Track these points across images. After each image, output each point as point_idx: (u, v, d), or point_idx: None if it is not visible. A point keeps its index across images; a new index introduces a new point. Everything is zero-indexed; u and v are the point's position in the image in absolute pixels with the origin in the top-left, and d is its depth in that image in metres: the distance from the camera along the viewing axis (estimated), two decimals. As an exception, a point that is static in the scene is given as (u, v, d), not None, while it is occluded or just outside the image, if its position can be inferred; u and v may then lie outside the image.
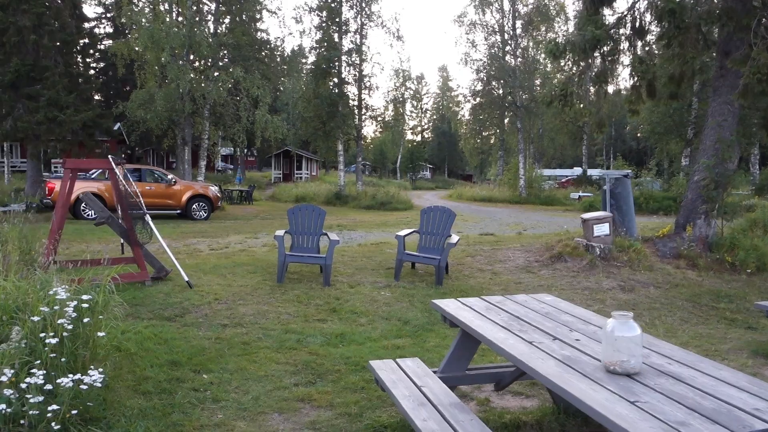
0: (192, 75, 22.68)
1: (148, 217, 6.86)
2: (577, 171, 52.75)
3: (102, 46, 38.92)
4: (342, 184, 30.47)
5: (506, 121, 41.11)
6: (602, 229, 8.73)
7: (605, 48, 8.83)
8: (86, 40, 26.75)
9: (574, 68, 9.40)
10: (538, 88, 36.90)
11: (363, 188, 31.65)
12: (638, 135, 73.06)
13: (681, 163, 26.44)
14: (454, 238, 7.78)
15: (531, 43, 36.81)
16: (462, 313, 3.55)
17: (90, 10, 43.66)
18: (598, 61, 9.14)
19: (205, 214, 18.95)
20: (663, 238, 9.37)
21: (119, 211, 7.08)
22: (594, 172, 50.47)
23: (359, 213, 24.26)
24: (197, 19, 23.62)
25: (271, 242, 12.14)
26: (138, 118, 23.15)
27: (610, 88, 10.20)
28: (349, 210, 26.06)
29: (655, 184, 27.20)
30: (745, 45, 8.29)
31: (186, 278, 6.84)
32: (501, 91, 37.93)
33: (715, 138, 8.88)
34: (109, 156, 6.56)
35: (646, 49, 9.20)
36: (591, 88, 9.57)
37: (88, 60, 40.36)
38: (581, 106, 9.67)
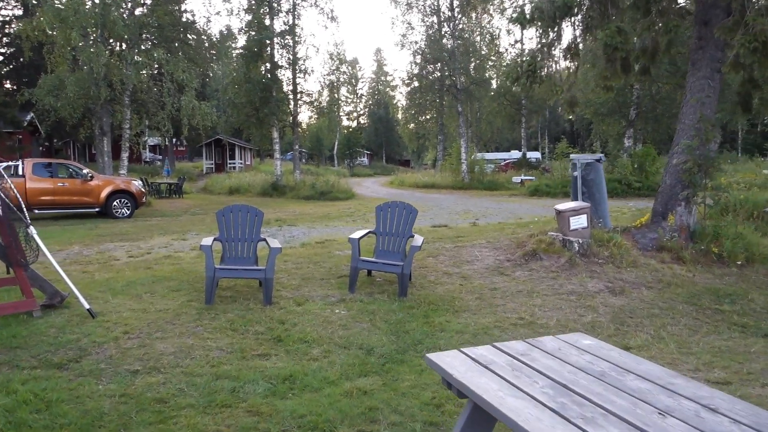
0: (108, 58, 20.49)
1: (32, 229, 5.33)
2: (516, 154, 52.80)
3: (12, 30, 35.56)
4: (279, 174, 28.88)
5: (444, 104, 40.31)
6: (579, 222, 7.76)
7: (578, 17, 7.84)
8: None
9: (543, 39, 8.36)
10: (474, 72, 36.23)
11: (301, 177, 30.15)
12: (571, 117, 74.35)
13: (623, 144, 26.26)
14: (418, 240, 6.59)
15: (468, 25, 36.03)
16: (479, 381, 2.35)
17: (-6, -10, 39.77)
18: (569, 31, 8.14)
19: (128, 212, 17.12)
20: (641, 229, 8.50)
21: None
22: (532, 155, 50.60)
23: (299, 204, 22.83)
24: (112, -4, 21.40)
25: (201, 245, 10.65)
26: (48, 106, 20.81)
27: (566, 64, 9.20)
28: (287, 201, 24.57)
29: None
30: (728, 13, 7.43)
31: (86, 305, 5.37)
32: (439, 74, 37.05)
33: (695, 117, 8.03)
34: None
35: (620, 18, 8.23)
36: (561, 62, 8.60)
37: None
38: (551, 82, 8.63)
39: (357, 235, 6.65)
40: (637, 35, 8.42)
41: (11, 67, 38.70)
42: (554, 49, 8.31)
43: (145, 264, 8.57)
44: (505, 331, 5.44)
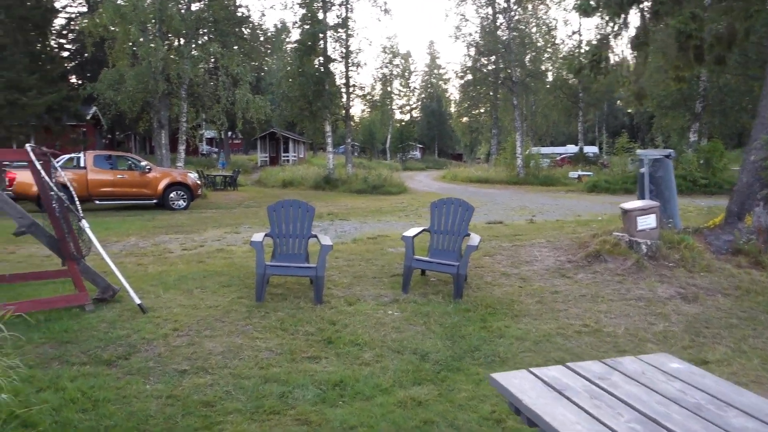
0: (166, 52, 20.84)
1: (84, 222, 5.30)
2: (571, 149, 51.38)
3: (76, 27, 36.79)
4: (331, 167, 28.88)
5: (499, 97, 39.53)
6: (647, 222, 7.29)
7: (647, 2, 7.32)
8: (50, 16, 24.75)
9: (608, 28, 7.88)
10: (529, 64, 35.28)
11: (353, 171, 30.07)
12: (630, 111, 71.82)
13: (688, 139, 25.07)
14: (475, 239, 6.28)
15: (524, 16, 35.10)
16: (554, 410, 2.07)
17: (60, -14, 41.20)
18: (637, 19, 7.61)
19: (184, 204, 17.37)
20: (714, 230, 7.94)
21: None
22: (589, 150, 49.13)
23: (350, 198, 22.75)
24: (170, -9, 21.74)
25: (253, 239, 10.63)
26: (108, 99, 21.35)
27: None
28: (339, 195, 24.53)
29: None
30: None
31: (137, 300, 5.31)
32: (493, 67, 36.32)
33: (778, 109, 7.42)
34: (27, 145, 4.99)
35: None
36: (628, 52, 8.08)
37: (57, 39, 38.28)
38: (618, 73, 8.13)
39: (411, 233, 6.41)
40: (712, 22, 7.83)
41: (76, 62, 40.07)
42: (620, 38, 7.83)
43: (198, 257, 8.56)
44: (568, 339, 5.10)
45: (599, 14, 7.74)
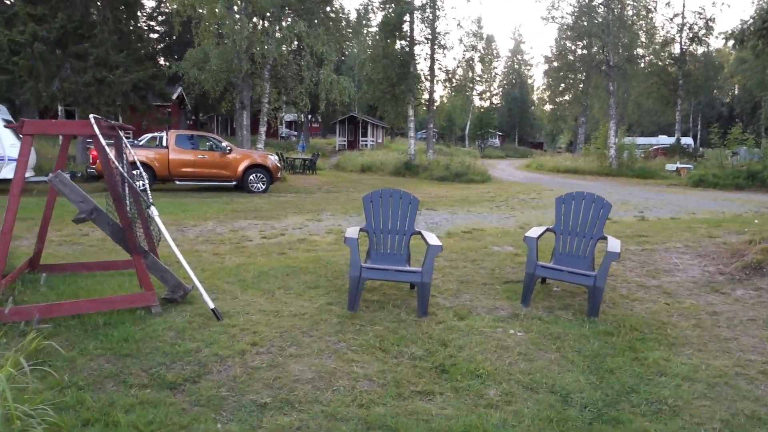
0: (251, 32, 20.34)
1: (154, 210, 4.49)
2: (663, 139, 48.13)
3: (167, 9, 37.30)
4: (412, 153, 27.84)
5: (591, 83, 37.24)
6: (825, 229, 5.85)
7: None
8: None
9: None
10: (622, 49, 32.78)
11: (434, 157, 28.92)
12: (728, 101, 66.73)
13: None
14: (615, 244, 5.07)
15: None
16: None
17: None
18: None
19: (263, 187, 16.80)
20: None
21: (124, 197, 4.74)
22: (684, 141, 45.77)
23: (433, 186, 21.65)
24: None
25: (337, 228, 9.77)
26: (193, 79, 21.12)
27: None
28: (421, 182, 23.48)
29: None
30: None
31: (211, 305, 4.46)
32: (586, 51, 34.11)
33: None
34: (91, 116, 4.20)
35: None
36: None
37: (147, 21, 39.02)
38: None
39: (534, 233, 5.27)
40: None
41: (164, 44, 40.79)
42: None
43: (279, 248, 7.75)
44: (754, 383, 3.86)
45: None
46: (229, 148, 16.71)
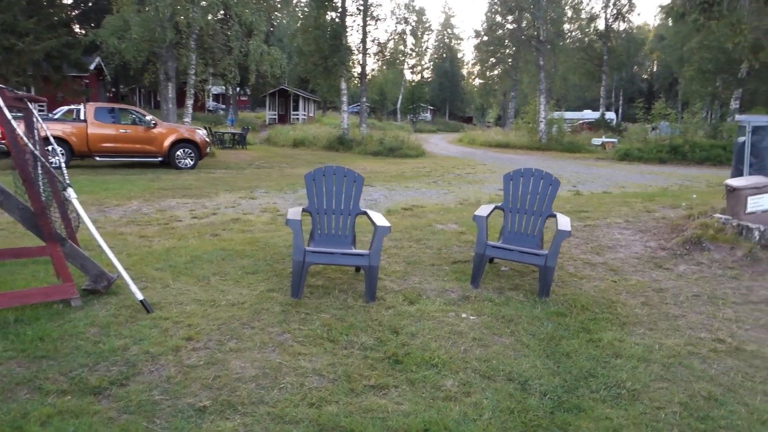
0: (174, -2, 19.24)
1: (70, 191, 3.99)
2: (588, 114, 49.66)
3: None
4: (345, 127, 27.40)
5: (521, 57, 37.70)
6: (760, 203, 5.97)
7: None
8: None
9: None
10: (550, 24, 33.27)
11: (368, 132, 28.58)
12: (646, 77, 69.37)
13: (731, 106, 23.47)
14: (564, 222, 4.96)
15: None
16: None
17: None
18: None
19: (192, 162, 16.04)
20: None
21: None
22: (610, 116, 47.28)
23: (367, 161, 21.37)
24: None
25: (272, 206, 9.37)
26: (112, 48, 19.82)
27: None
28: (354, 157, 23.14)
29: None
30: None
31: (139, 296, 4.04)
32: (516, 25, 34.40)
33: None
34: (-7, 85, 3.65)
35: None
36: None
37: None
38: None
39: (483, 211, 5.09)
40: None
41: (79, 11, 38.21)
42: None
43: (212, 229, 7.30)
44: (707, 362, 3.83)
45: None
46: (153, 122, 15.81)
